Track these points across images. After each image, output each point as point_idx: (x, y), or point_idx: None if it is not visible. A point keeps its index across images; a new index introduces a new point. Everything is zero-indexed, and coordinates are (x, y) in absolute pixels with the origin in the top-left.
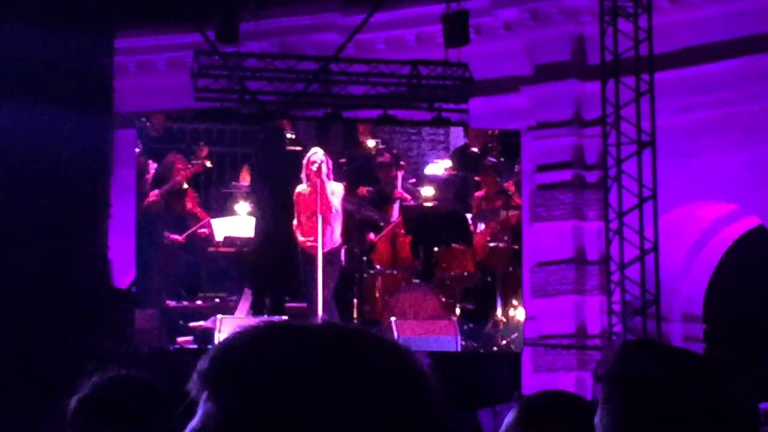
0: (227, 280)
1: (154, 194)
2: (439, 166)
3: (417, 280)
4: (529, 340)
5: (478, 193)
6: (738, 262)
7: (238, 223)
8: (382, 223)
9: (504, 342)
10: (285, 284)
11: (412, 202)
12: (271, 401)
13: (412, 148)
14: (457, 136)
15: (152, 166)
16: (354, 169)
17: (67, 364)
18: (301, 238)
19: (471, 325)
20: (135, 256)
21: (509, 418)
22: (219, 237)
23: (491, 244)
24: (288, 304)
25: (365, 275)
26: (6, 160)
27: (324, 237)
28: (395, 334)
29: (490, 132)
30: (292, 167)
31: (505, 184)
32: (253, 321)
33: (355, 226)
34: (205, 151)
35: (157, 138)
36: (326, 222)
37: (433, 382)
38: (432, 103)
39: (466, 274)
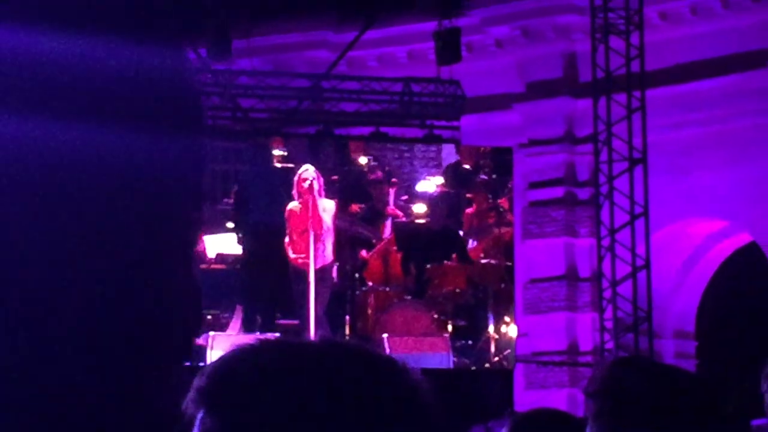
0: (219, 297)
1: None
2: (430, 183)
3: (409, 297)
4: (521, 356)
5: (470, 210)
6: (730, 279)
7: (230, 240)
8: (374, 240)
9: (496, 359)
10: (277, 301)
11: (404, 219)
12: (271, 416)
13: (404, 165)
14: (449, 154)
15: None
16: (346, 186)
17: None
18: (292, 255)
19: (463, 342)
20: None
21: None
22: (211, 254)
23: (483, 261)
24: (280, 321)
25: (357, 292)
26: (96, 187)
27: (316, 254)
28: (387, 350)
29: (482, 149)
30: (283, 184)
31: (499, 201)
32: (247, 338)
33: (347, 243)
34: None
35: None
36: (318, 239)
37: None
38: (424, 120)
39: (458, 290)
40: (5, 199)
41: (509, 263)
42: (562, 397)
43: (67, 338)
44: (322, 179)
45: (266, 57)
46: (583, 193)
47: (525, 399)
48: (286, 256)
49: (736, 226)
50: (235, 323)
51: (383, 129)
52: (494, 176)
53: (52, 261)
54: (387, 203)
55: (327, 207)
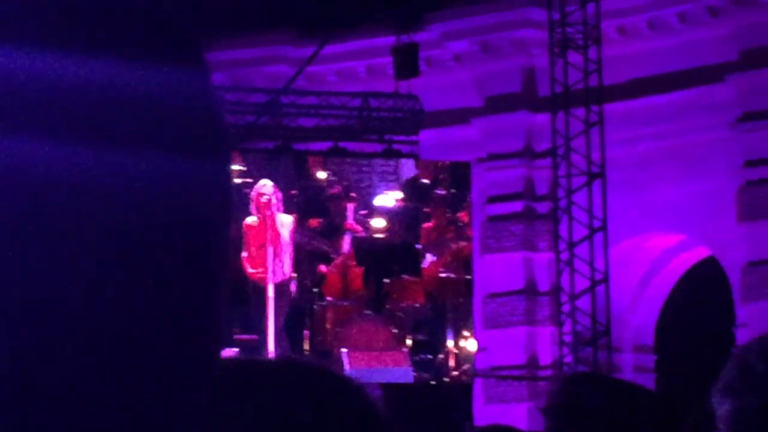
0: None
1: None
2: (389, 198)
3: (368, 312)
4: (480, 371)
5: (428, 225)
6: (688, 293)
7: None
8: (332, 255)
9: (455, 373)
10: (235, 316)
11: (363, 234)
12: None
13: (362, 180)
14: (407, 168)
15: None
16: (305, 201)
17: None
18: (250, 270)
19: (422, 356)
20: None
21: None
22: None
23: (443, 275)
24: (238, 336)
25: (316, 306)
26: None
27: (274, 269)
28: (346, 365)
29: (440, 163)
30: (240, 199)
31: (458, 215)
32: None
33: (305, 258)
34: None
35: None
36: (276, 254)
37: (385, 415)
38: (382, 135)
39: (417, 305)
40: (5, 199)
41: (468, 277)
42: (522, 411)
43: (67, 338)
44: (280, 194)
45: (225, 72)
46: (542, 207)
47: (485, 413)
48: (243, 270)
49: (694, 240)
50: None
51: (342, 144)
52: (453, 190)
53: (52, 261)
54: (346, 218)
55: (285, 222)
